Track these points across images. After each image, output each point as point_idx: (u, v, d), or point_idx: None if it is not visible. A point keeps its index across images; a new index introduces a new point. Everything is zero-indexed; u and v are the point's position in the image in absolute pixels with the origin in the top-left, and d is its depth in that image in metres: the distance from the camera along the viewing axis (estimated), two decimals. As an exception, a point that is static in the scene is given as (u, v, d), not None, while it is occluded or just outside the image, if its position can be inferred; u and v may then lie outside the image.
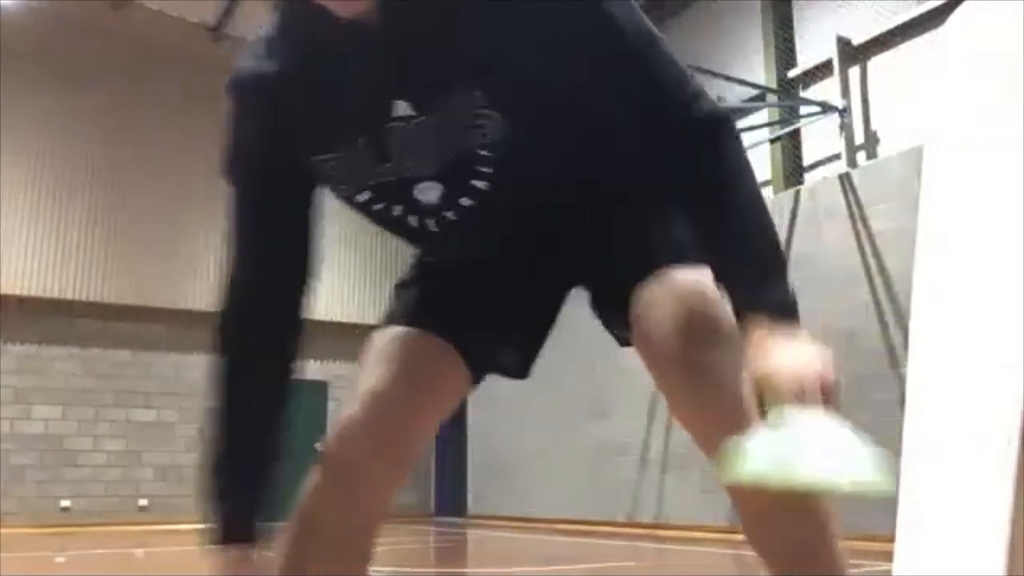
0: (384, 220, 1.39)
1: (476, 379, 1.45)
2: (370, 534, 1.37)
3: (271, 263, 1.35)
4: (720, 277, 1.18)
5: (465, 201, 1.29)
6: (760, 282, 1.11)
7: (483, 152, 1.23)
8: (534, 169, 1.28)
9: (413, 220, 1.35)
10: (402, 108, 1.21)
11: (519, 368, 1.49)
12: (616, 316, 1.37)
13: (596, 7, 1.13)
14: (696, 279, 1.23)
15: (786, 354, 1.08)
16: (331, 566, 1.33)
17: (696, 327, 1.21)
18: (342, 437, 1.33)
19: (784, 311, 1.10)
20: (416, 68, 1.18)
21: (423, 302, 1.44)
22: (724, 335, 1.19)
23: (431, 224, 1.34)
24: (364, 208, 1.36)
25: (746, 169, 1.16)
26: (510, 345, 1.47)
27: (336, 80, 1.22)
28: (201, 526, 1.32)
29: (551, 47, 1.13)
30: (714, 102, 1.18)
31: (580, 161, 1.34)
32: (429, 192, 1.28)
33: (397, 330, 1.40)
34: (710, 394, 1.21)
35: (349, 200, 1.35)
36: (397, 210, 1.34)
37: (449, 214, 1.31)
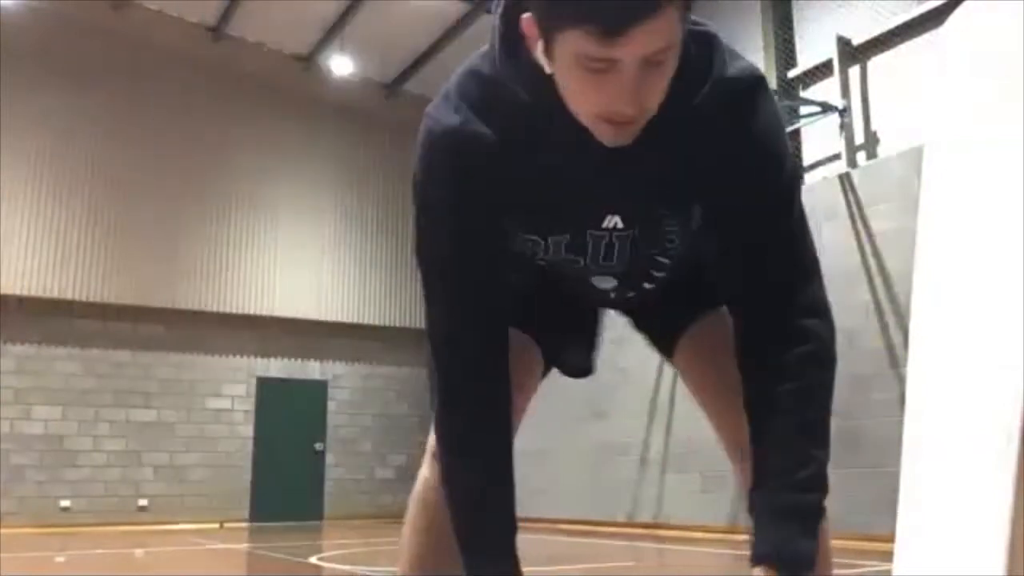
0: (548, 282, 1.58)
1: (546, 368, 1.70)
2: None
3: (486, 314, 1.39)
4: (757, 468, 1.36)
5: (630, 293, 1.57)
6: (789, 524, 1.27)
7: (662, 260, 1.49)
8: (682, 272, 1.56)
9: (578, 290, 1.58)
10: (613, 221, 1.39)
11: (581, 368, 1.75)
12: (661, 343, 1.74)
13: (789, 185, 1.36)
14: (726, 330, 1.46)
15: None
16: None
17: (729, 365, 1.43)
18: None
19: (799, 568, 1.23)
20: (639, 192, 1.36)
21: (526, 312, 1.61)
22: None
23: (590, 296, 1.60)
24: (534, 267, 1.53)
25: (832, 364, 1.46)
26: (576, 350, 1.74)
27: (558, 177, 1.33)
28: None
29: (744, 199, 1.33)
30: (832, 321, 1.44)
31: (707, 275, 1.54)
32: (605, 283, 1.53)
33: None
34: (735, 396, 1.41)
35: (523, 257, 1.49)
36: (568, 284, 1.56)
37: (611, 296, 1.58)
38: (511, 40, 1.30)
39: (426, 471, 1.53)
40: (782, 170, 1.35)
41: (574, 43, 1.10)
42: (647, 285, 1.55)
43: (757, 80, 1.33)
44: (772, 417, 1.30)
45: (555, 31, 1.12)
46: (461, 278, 1.35)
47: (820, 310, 1.39)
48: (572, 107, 1.22)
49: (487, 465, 1.36)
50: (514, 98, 1.29)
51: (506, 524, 1.36)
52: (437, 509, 1.43)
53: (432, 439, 1.47)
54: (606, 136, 1.22)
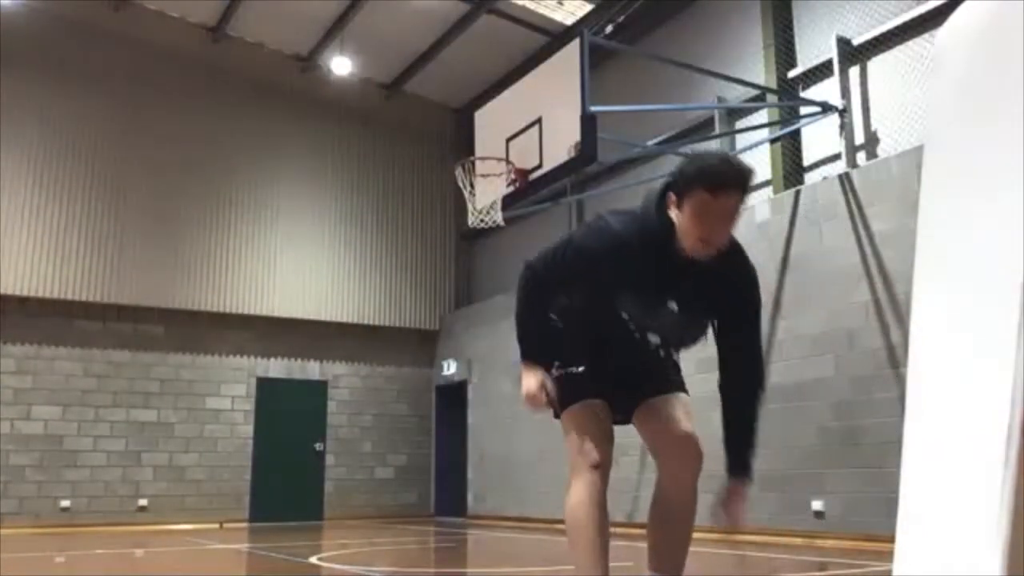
0: (620, 322, 2.70)
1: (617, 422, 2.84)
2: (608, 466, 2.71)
3: (567, 291, 2.78)
4: (732, 437, 2.67)
5: (660, 352, 2.79)
6: (743, 455, 2.64)
7: (689, 336, 2.71)
8: (697, 345, 2.76)
9: (635, 335, 2.73)
10: (672, 304, 2.62)
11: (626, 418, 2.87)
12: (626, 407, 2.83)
13: (757, 295, 2.67)
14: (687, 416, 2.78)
15: (739, 503, 2.63)
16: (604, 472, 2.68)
17: (693, 444, 2.74)
18: (595, 449, 2.67)
19: (748, 475, 2.64)
20: (686, 291, 2.59)
21: (596, 387, 2.75)
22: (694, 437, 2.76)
23: (641, 349, 2.76)
24: (618, 315, 2.69)
25: (763, 387, 2.69)
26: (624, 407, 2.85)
27: (651, 268, 2.55)
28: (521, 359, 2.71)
29: (730, 294, 2.62)
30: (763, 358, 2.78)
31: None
32: (654, 339, 2.75)
33: (593, 401, 2.74)
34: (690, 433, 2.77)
35: (618, 314, 2.69)
36: (635, 332, 2.72)
37: (651, 344, 2.76)
38: (661, 205, 2.53)
39: (575, 490, 2.66)
40: (757, 291, 2.69)
41: (697, 197, 2.41)
42: (674, 352, 2.84)
43: (738, 243, 2.65)
44: (735, 420, 2.68)
45: (686, 194, 2.43)
46: (559, 281, 2.72)
47: (762, 360, 2.78)
48: (683, 234, 2.47)
49: (538, 316, 2.76)
50: (652, 227, 2.53)
51: (538, 335, 2.74)
52: (585, 525, 2.62)
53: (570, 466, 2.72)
54: (699, 252, 2.47)
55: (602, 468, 2.61)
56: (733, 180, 2.39)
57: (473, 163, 8.21)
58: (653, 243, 2.49)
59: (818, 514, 7.61)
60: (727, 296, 2.58)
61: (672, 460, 2.71)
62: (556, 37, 11.82)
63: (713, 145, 9.69)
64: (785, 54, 9.18)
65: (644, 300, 2.59)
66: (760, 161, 9.35)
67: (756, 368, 2.67)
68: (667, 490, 2.73)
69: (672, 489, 2.71)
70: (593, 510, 2.56)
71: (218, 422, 12.46)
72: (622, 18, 11.06)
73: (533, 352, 2.68)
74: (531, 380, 2.61)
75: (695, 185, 2.38)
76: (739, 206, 2.43)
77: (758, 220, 8.67)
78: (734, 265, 2.59)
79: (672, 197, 2.46)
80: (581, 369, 2.70)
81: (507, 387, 11.64)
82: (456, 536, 10.18)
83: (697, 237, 2.41)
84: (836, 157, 8.36)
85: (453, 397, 13.67)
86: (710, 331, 2.68)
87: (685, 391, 2.79)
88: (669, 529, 2.80)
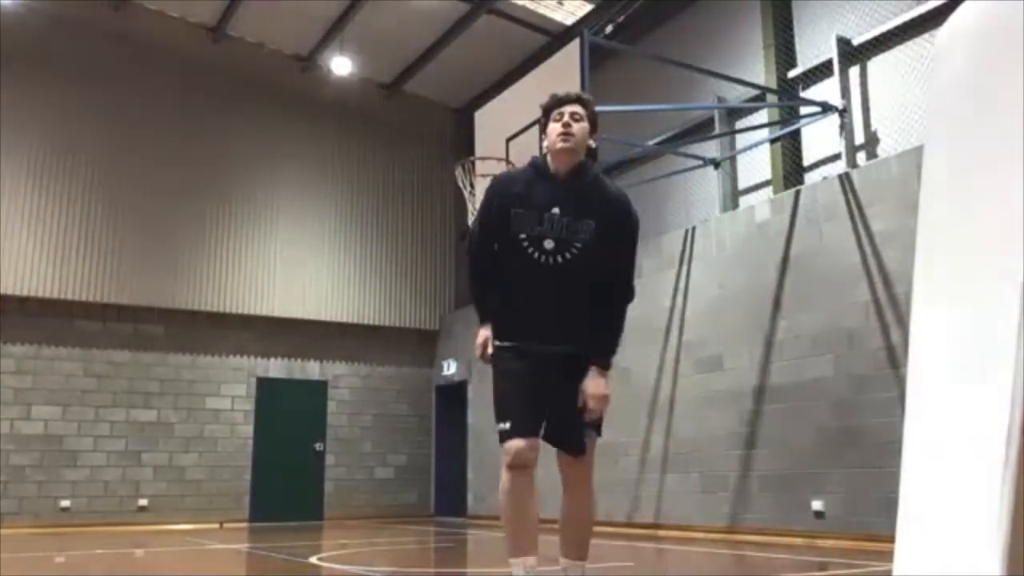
0: (522, 248, 3.27)
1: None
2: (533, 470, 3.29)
3: (491, 247, 3.39)
4: (593, 331, 3.32)
5: (558, 257, 3.27)
6: (604, 346, 3.35)
7: (577, 242, 3.27)
8: (584, 259, 3.28)
9: (534, 252, 3.26)
10: (555, 210, 3.28)
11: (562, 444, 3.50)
12: (557, 440, 3.37)
13: (633, 220, 3.43)
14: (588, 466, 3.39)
15: (599, 382, 3.28)
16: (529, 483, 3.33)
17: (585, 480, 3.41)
18: (521, 451, 3.23)
19: (607, 363, 3.33)
20: (567, 202, 3.30)
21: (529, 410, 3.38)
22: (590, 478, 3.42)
23: (540, 258, 3.26)
24: (519, 240, 3.28)
25: (626, 303, 3.40)
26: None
27: (535, 191, 3.32)
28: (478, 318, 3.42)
29: (607, 218, 3.32)
30: (634, 285, 3.47)
31: (593, 263, 3.31)
32: (548, 243, 3.26)
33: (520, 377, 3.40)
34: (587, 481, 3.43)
35: (518, 235, 3.28)
36: (532, 246, 3.26)
37: (549, 259, 3.26)
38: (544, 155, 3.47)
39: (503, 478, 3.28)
40: (629, 217, 3.41)
41: (549, 118, 3.43)
42: (568, 255, 3.26)
43: (623, 192, 3.47)
44: (599, 318, 3.33)
45: (544, 123, 3.45)
46: (485, 228, 3.41)
47: (632, 285, 3.43)
48: (550, 146, 3.36)
49: (484, 284, 3.43)
50: (535, 163, 3.45)
51: (487, 302, 3.42)
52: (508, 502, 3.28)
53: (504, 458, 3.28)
54: (564, 148, 3.33)
55: (524, 460, 3.23)
56: (566, 97, 3.40)
57: (473, 163, 8.21)
58: (536, 171, 3.38)
59: (818, 514, 7.61)
60: (602, 213, 3.30)
61: (570, 482, 3.40)
62: (556, 37, 11.83)
63: (713, 145, 9.71)
64: (785, 54, 9.19)
65: (534, 210, 3.26)
66: (760, 161, 9.36)
67: (623, 279, 3.40)
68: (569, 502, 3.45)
69: (572, 501, 3.41)
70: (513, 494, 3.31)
71: (218, 422, 12.46)
72: (622, 18, 11.06)
73: (482, 314, 3.41)
74: (478, 339, 3.41)
75: (545, 113, 3.43)
76: (582, 111, 3.37)
77: (758, 220, 8.68)
78: (607, 194, 3.37)
79: (542, 135, 3.46)
80: (508, 344, 3.31)
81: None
82: (456, 536, 10.18)
83: (557, 134, 3.31)
84: (836, 157, 8.36)
85: (453, 397, 13.67)
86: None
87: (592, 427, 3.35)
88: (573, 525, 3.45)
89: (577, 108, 3.36)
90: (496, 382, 3.36)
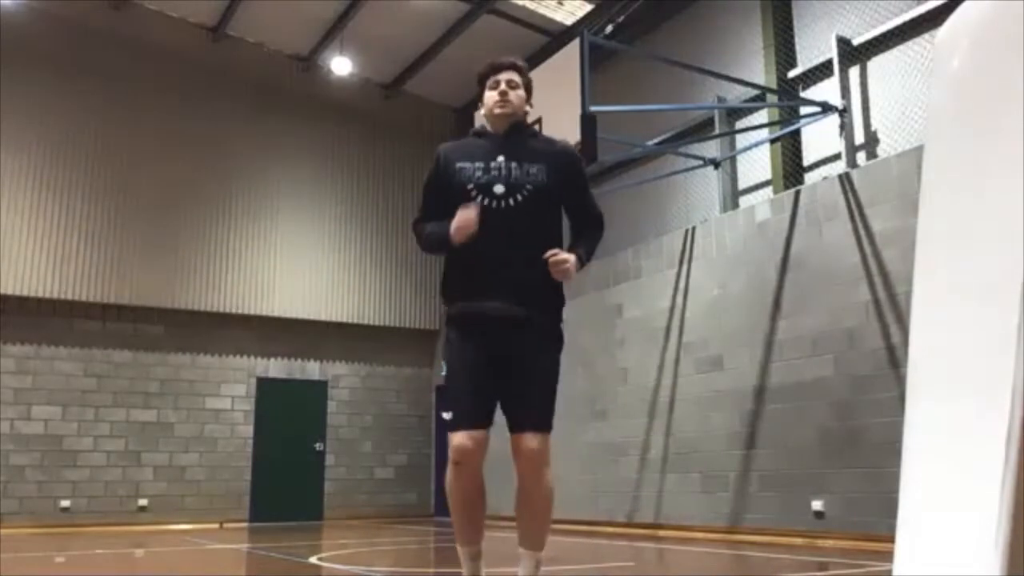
0: (471, 198, 3.22)
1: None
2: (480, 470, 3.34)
3: (438, 211, 3.33)
4: (573, 240, 3.43)
5: (510, 200, 3.26)
6: (583, 249, 3.38)
7: (528, 183, 3.30)
8: (537, 201, 3.31)
9: (483, 198, 3.24)
10: (500, 158, 3.33)
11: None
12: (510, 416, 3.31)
13: (579, 160, 3.61)
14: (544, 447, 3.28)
15: (570, 256, 3.22)
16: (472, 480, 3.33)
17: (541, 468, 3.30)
18: (462, 446, 3.23)
19: (581, 257, 3.32)
20: (511, 150, 3.36)
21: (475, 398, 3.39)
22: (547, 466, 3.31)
23: (492, 203, 3.24)
24: (467, 191, 3.26)
25: (600, 230, 3.52)
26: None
27: (478, 146, 3.42)
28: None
29: (556, 163, 3.38)
30: (601, 212, 3.56)
31: (546, 205, 3.36)
32: (498, 187, 3.27)
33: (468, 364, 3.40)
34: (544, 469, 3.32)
35: (465, 185, 3.28)
36: (481, 193, 3.25)
37: (500, 203, 3.25)
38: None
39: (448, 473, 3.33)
40: (576, 158, 3.54)
41: (485, 85, 3.47)
42: (519, 196, 3.26)
43: (568, 144, 3.71)
44: (577, 239, 3.43)
45: (481, 90, 3.49)
46: (429, 188, 3.46)
47: (599, 214, 3.52)
48: (487, 112, 3.44)
49: (434, 232, 3.40)
50: (475, 130, 3.58)
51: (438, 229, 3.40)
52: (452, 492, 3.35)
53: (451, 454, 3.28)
54: (500, 112, 3.40)
55: (465, 455, 3.23)
56: (500, 64, 3.42)
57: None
58: (475, 134, 3.49)
59: (818, 514, 7.61)
60: (549, 158, 3.34)
61: (522, 471, 3.29)
62: (556, 37, 11.82)
63: (713, 145, 9.71)
64: (785, 54, 9.18)
65: (480, 160, 3.29)
66: (760, 161, 9.36)
67: (592, 212, 3.49)
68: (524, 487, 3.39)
69: (526, 486, 3.34)
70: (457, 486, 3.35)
71: (218, 422, 12.46)
72: (622, 18, 11.06)
73: (444, 229, 3.24)
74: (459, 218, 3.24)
75: (481, 81, 3.45)
76: (518, 78, 3.43)
77: (758, 220, 8.68)
78: (549, 141, 3.49)
79: (480, 104, 3.49)
80: (456, 313, 3.29)
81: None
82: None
83: (494, 101, 3.37)
84: (836, 157, 8.36)
85: (453, 397, 13.65)
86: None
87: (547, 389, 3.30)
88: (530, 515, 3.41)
89: (513, 75, 3.39)
90: (446, 367, 3.31)
